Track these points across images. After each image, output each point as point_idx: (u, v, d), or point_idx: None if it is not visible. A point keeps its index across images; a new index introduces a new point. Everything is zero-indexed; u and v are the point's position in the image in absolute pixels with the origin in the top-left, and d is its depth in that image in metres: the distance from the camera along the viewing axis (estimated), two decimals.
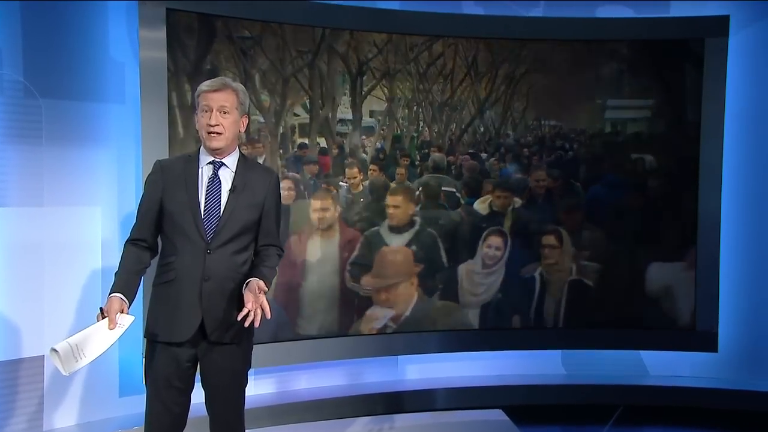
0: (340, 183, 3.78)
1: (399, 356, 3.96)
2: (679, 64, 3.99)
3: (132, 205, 3.21)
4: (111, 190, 3.26)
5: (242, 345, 2.28)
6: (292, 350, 3.60)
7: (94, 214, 3.21)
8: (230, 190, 2.25)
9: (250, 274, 2.24)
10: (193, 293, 2.19)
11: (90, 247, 3.21)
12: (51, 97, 3.08)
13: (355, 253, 3.78)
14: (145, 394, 2.88)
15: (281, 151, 3.62)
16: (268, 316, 2.12)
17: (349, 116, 3.80)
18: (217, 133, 2.22)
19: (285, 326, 3.62)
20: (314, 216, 3.69)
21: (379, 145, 3.87)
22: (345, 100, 3.77)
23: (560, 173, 4.04)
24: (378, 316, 3.81)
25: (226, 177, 2.27)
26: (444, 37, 3.89)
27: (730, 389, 3.94)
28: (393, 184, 3.88)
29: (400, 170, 3.89)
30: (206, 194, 2.24)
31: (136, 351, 3.19)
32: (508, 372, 4.06)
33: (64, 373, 2.05)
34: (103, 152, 3.24)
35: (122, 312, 2.14)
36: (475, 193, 4.00)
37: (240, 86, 2.28)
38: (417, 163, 3.93)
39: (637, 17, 4.03)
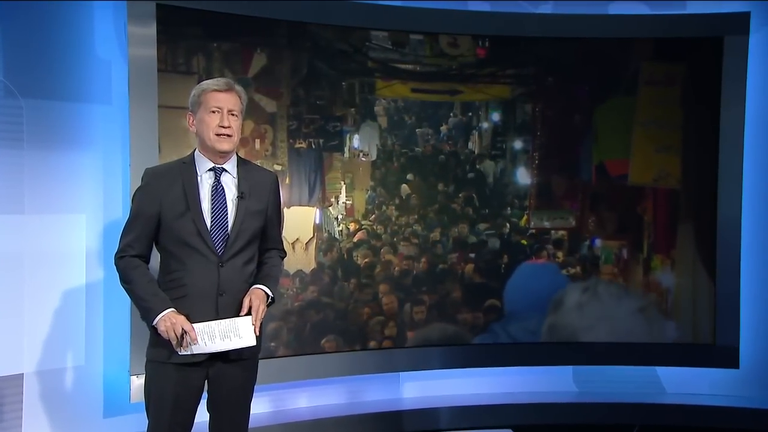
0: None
1: (401, 373, 3.94)
2: (697, 63, 3.99)
3: (119, 213, 3.19)
4: (96, 196, 3.22)
5: (254, 359, 2.31)
6: (288, 367, 3.58)
7: (78, 222, 3.18)
8: (238, 197, 2.24)
9: (257, 278, 2.27)
10: (209, 309, 2.19)
11: (74, 257, 3.18)
12: (33, 97, 3.06)
13: None
14: (131, 415, 2.87)
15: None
16: (257, 333, 2.19)
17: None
18: (228, 135, 2.22)
19: (281, 341, 3.60)
20: None
21: None
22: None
23: (571, 175, 4.04)
24: None
25: (229, 184, 2.27)
26: (448, 34, 3.89)
27: (751, 408, 3.92)
28: None
29: None
30: (212, 204, 2.22)
31: (122, 369, 3.16)
32: (517, 389, 4.04)
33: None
34: (89, 156, 3.21)
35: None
36: None
37: (242, 89, 2.30)
38: None
39: (652, 14, 4.04)
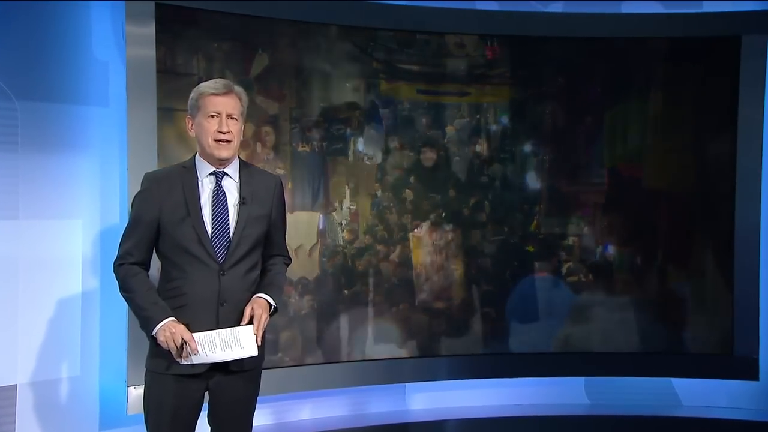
0: None
1: (406, 384, 3.94)
2: (713, 63, 3.98)
3: (116, 218, 3.19)
4: (93, 201, 3.23)
5: (256, 370, 2.30)
6: (291, 377, 3.57)
7: (74, 228, 3.18)
8: (240, 202, 2.24)
9: (259, 287, 2.26)
10: (209, 319, 2.19)
11: (69, 264, 3.18)
12: (28, 99, 3.06)
13: None
14: (128, 427, 2.86)
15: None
16: (258, 343, 2.18)
17: None
18: (227, 141, 2.21)
19: (284, 351, 3.59)
20: None
21: None
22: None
23: (582, 179, 4.03)
24: None
25: (231, 188, 2.26)
26: (455, 34, 3.89)
27: None
28: None
29: None
30: (212, 210, 2.22)
31: (119, 380, 3.16)
32: (527, 401, 4.04)
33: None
34: (85, 160, 3.21)
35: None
36: None
37: (242, 90, 2.29)
38: None
39: (667, 13, 4.03)
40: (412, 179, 3.89)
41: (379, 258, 3.81)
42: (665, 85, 4.04)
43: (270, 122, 3.58)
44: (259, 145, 3.55)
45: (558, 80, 4.03)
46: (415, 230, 3.87)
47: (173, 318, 2.15)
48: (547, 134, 4.03)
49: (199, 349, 2.12)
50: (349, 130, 3.76)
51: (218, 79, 2.28)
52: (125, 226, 2.28)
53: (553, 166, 4.02)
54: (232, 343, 2.14)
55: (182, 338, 2.11)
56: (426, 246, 3.90)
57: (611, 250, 4.05)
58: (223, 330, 2.16)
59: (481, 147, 3.98)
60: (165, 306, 2.17)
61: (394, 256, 3.85)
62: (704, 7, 4.04)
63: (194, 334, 2.13)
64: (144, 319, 2.17)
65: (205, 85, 2.24)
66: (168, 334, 2.11)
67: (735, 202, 3.94)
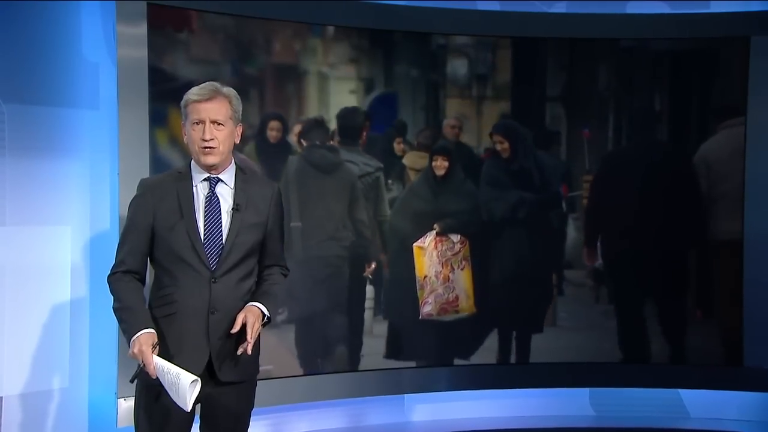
0: None
1: (406, 395, 3.93)
2: (721, 65, 3.99)
3: (106, 225, 3.19)
4: (82, 207, 3.22)
5: (249, 383, 2.29)
6: (287, 388, 3.55)
7: (62, 235, 3.17)
8: (233, 209, 2.23)
9: (254, 296, 2.25)
10: (199, 328, 2.18)
11: (58, 271, 3.17)
12: (15, 102, 3.05)
13: None
14: None
15: None
16: (249, 352, 2.16)
17: None
18: (212, 148, 2.19)
19: (279, 361, 3.57)
20: None
21: None
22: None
23: (587, 186, 4.03)
24: None
25: (225, 195, 2.25)
26: (456, 35, 3.91)
27: None
28: None
29: None
30: (205, 216, 2.21)
31: (109, 390, 3.14)
32: (530, 413, 4.02)
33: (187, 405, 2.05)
34: (74, 164, 3.20)
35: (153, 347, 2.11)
36: None
37: (232, 92, 2.25)
38: None
39: (673, 13, 4.03)
40: (420, 187, 3.88)
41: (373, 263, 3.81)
42: (671, 87, 4.05)
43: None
44: None
45: (563, 81, 4.06)
46: (419, 240, 3.86)
47: (149, 331, 2.12)
48: (550, 137, 4.05)
49: (158, 373, 2.08)
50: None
51: (205, 84, 2.24)
52: (120, 235, 2.28)
53: (558, 171, 4.04)
54: (173, 388, 2.07)
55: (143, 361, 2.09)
56: (430, 256, 3.88)
57: (617, 257, 4.04)
58: (174, 370, 2.07)
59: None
60: (146, 317, 2.16)
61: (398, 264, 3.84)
62: (712, 7, 4.05)
63: (155, 359, 2.09)
64: (123, 330, 2.17)
65: (190, 92, 2.23)
66: (136, 350, 2.09)
67: (744, 206, 3.94)
